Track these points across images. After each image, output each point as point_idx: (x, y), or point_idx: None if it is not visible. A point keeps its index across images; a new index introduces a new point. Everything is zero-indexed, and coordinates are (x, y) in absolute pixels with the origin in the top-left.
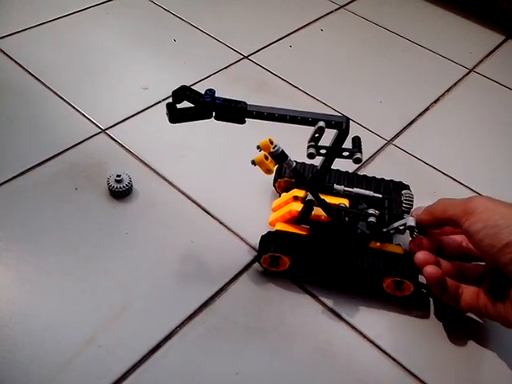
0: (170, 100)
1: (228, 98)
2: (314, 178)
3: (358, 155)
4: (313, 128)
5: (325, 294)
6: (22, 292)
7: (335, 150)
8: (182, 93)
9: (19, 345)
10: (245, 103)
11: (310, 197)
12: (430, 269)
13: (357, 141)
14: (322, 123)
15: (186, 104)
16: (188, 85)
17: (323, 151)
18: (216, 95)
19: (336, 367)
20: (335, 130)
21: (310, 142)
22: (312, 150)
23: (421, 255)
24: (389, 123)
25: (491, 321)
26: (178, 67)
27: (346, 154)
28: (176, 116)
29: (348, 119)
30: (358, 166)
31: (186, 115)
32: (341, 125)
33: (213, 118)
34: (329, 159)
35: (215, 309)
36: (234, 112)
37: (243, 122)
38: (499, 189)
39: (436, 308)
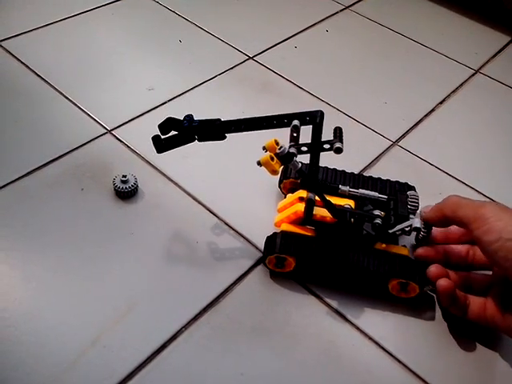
0: (160, 125)
1: (204, 118)
2: (307, 177)
3: (337, 145)
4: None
5: (330, 295)
6: (28, 292)
7: (315, 145)
8: (167, 124)
9: (24, 345)
10: (219, 120)
11: (311, 196)
12: (443, 282)
13: (338, 131)
14: (296, 122)
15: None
16: (193, 86)
17: (304, 149)
18: (195, 119)
19: (341, 368)
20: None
21: (290, 142)
22: (293, 150)
23: (434, 269)
24: (394, 124)
25: (498, 332)
26: (183, 68)
27: (327, 146)
28: (162, 146)
29: (322, 112)
30: (363, 166)
31: (171, 143)
32: (315, 119)
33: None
34: (313, 155)
35: (220, 309)
36: (212, 130)
37: (224, 137)
38: (504, 190)
39: (442, 310)
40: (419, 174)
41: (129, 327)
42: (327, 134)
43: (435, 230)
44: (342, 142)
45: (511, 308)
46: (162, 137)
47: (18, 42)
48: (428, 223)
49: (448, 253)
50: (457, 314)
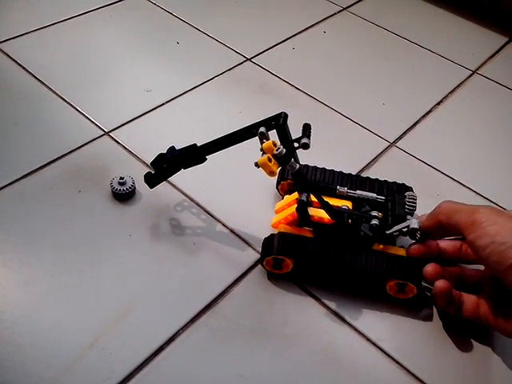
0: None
1: (183, 147)
2: (294, 178)
3: (303, 140)
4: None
5: (328, 297)
6: (25, 294)
7: (285, 146)
8: (158, 160)
9: (22, 347)
10: (195, 145)
11: (302, 197)
12: (440, 283)
13: (306, 128)
14: (262, 129)
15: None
16: (191, 87)
17: None
18: (176, 149)
19: (339, 370)
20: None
21: (261, 149)
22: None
23: (430, 268)
24: (392, 125)
25: (492, 329)
26: (181, 70)
27: (296, 144)
28: (153, 181)
29: (285, 114)
30: (361, 167)
31: (161, 176)
32: (278, 121)
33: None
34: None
35: (218, 311)
36: (193, 156)
37: (204, 160)
38: (502, 190)
39: (439, 310)
40: (417, 175)
41: (127, 329)
42: (325, 135)
43: None
44: (309, 138)
45: (503, 307)
46: (153, 172)
47: (15, 44)
48: (425, 232)
49: (441, 248)
50: (451, 313)
